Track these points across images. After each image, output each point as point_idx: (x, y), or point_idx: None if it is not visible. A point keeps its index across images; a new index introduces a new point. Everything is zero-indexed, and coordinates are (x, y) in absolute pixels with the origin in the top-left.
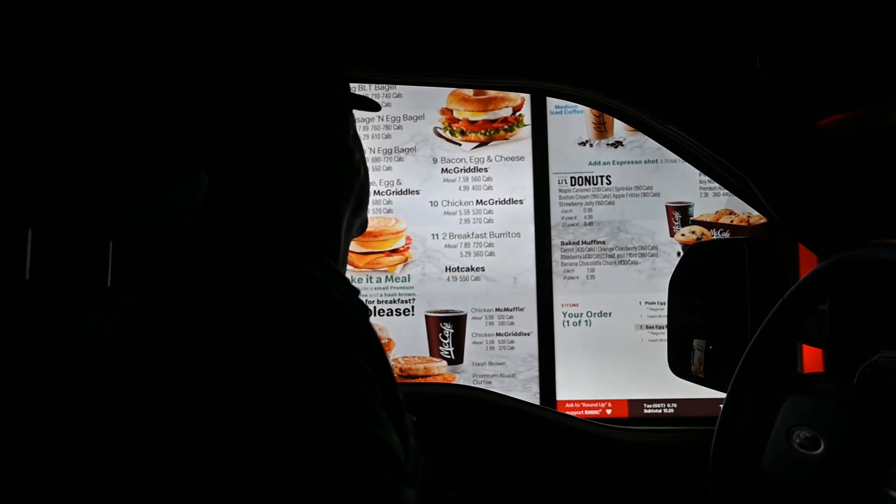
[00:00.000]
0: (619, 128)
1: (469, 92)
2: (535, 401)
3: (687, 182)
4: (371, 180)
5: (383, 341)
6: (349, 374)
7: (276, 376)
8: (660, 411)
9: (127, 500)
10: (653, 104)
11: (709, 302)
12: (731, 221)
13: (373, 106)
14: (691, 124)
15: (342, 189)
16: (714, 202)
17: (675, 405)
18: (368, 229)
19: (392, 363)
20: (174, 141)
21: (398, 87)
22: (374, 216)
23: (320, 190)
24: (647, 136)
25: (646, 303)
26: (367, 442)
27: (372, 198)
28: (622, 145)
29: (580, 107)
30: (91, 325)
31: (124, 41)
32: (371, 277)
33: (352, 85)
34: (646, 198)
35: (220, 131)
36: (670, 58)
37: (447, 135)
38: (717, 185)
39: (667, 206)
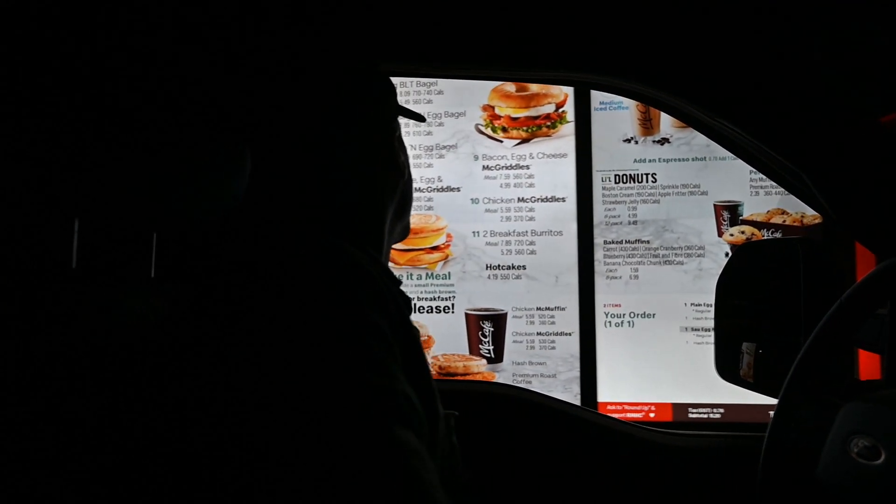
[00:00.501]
0: (666, 124)
1: (511, 88)
2: (576, 401)
3: (736, 180)
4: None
5: (422, 338)
6: (372, 338)
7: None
8: (706, 416)
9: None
10: (704, 98)
11: (759, 304)
12: (784, 221)
13: (418, 117)
14: (744, 119)
15: (385, 188)
16: (765, 201)
17: (721, 410)
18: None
19: (431, 360)
20: (218, 132)
21: (440, 83)
22: (415, 213)
23: (364, 187)
24: (695, 133)
25: (692, 304)
26: (373, 388)
27: (413, 194)
28: (669, 142)
29: (625, 103)
30: (133, 315)
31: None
32: (411, 274)
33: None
34: (693, 196)
35: (268, 127)
36: (723, 50)
37: (489, 132)
38: (768, 183)
39: (715, 205)
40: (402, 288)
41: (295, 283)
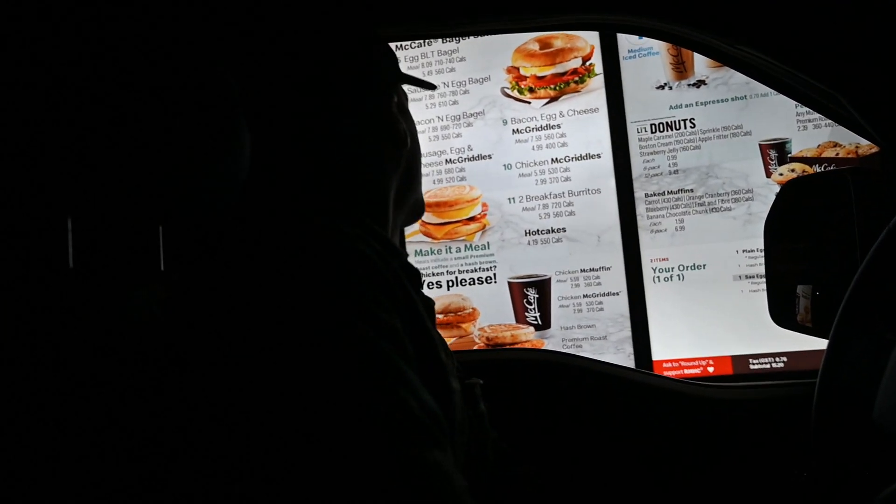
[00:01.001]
0: (701, 65)
1: (535, 46)
2: (630, 362)
3: (781, 116)
4: (441, 149)
5: (467, 311)
6: (371, 329)
7: (294, 332)
8: (768, 366)
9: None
10: (719, 24)
11: (812, 243)
12: (837, 154)
13: (427, 85)
14: (766, 42)
15: (385, 158)
16: (815, 135)
17: (784, 359)
18: (444, 199)
19: (478, 332)
20: (215, 113)
21: (461, 50)
22: (448, 185)
23: (362, 158)
24: (732, 71)
25: (743, 251)
26: (387, 400)
27: (443, 167)
28: (705, 84)
29: (655, 47)
30: (139, 311)
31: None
32: (450, 248)
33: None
34: (735, 138)
35: (257, 103)
36: None
37: (515, 94)
38: (816, 115)
39: (760, 145)
40: (442, 260)
41: (295, 281)
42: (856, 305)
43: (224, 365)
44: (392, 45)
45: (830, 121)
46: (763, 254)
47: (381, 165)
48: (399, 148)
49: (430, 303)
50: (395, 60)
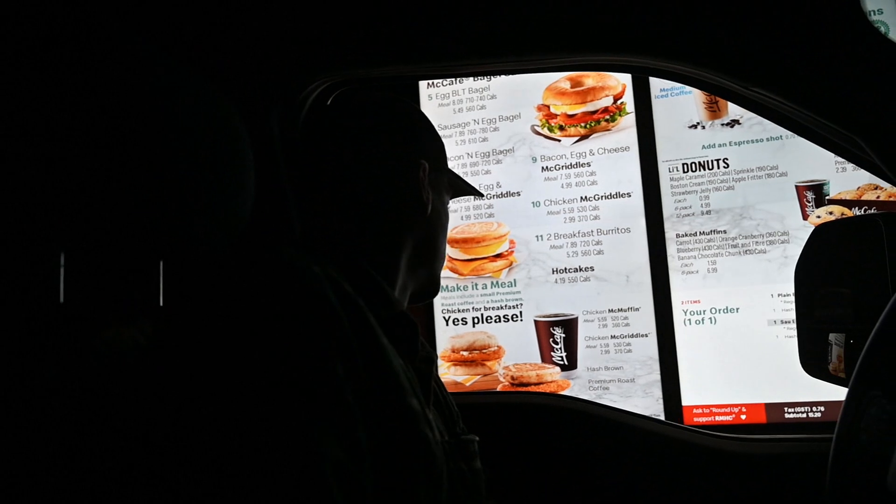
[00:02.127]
0: (735, 105)
1: (566, 85)
2: (658, 406)
3: (819, 157)
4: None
5: (492, 349)
6: (297, 373)
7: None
8: (804, 416)
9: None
10: (733, 66)
11: (844, 290)
12: (878, 197)
13: (474, 192)
14: (781, 85)
15: (401, 216)
16: (854, 177)
17: (822, 408)
18: (471, 235)
19: (503, 371)
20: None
21: (492, 88)
22: (476, 221)
23: (377, 208)
24: None
25: (779, 295)
26: (299, 449)
27: (472, 203)
28: (739, 124)
29: (688, 87)
30: (126, 346)
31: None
32: (476, 284)
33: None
34: (770, 179)
35: (282, 155)
36: (750, 11)
37: (545, 132)
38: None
39: (797, 187)
40: (468, 296)
41: (241, 318)
42: (874, 361)
43: (173, 397)
44: (424, 83)
45: (842, 158)
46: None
47: (396, 222)
48: (417, 212)
49: (427, 355)
50: (439, 145)
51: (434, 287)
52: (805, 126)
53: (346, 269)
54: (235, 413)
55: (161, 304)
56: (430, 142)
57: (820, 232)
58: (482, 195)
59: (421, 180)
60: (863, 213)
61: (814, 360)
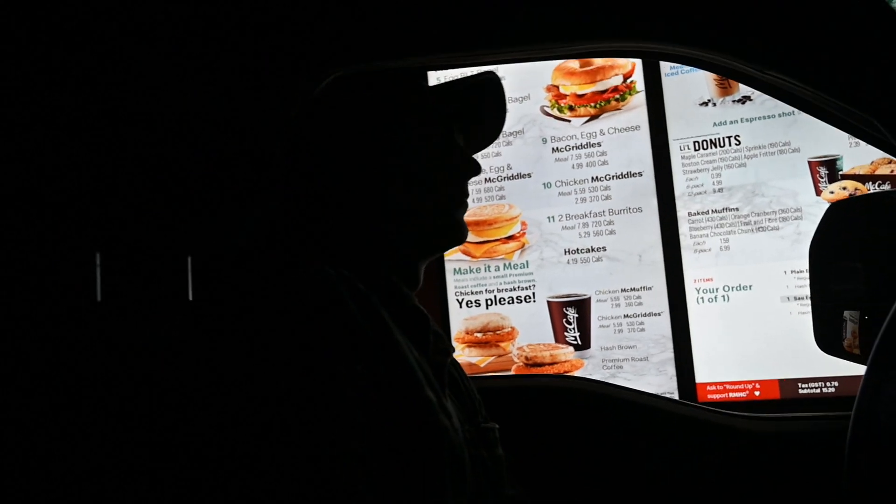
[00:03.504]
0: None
1: (575, 64)
2: (672, 384)
3: (831, 133)
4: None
5: (506, 330)
6: (323, 375)
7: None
8: (818, 391)
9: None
10: (747, 50)
11: (858, 267)
12: (892, 171)
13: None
14: (796, 68)
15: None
16: (868, 151)
17: (835, 384)
18: (483, 218)
19: (517, 351)
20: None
21: (501, 69)
22: (487, 204)
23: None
24: None
25: (792, 271)
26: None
27: (482, 185)
28: (750, 100)
29: None
30: (167, 340)
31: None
32: (489, 266)
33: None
34: (783, 155)
35: (295, 154)
36: None
37: (555, 112)
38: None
39: (810, 162)
40: (480, 278)
41: (267, 327)
42: (891, 342)
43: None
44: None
45: (857, 139)
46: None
47: (399, 219)
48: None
49: (444, 347)
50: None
51: (458, 232)
52: (819, 107)
53: (358, 268)
54: (262, 412)
55: (191, 299)
56: (429, 130)
57: (835, 209)
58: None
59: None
60: (877, 187)
61: (829, 337)
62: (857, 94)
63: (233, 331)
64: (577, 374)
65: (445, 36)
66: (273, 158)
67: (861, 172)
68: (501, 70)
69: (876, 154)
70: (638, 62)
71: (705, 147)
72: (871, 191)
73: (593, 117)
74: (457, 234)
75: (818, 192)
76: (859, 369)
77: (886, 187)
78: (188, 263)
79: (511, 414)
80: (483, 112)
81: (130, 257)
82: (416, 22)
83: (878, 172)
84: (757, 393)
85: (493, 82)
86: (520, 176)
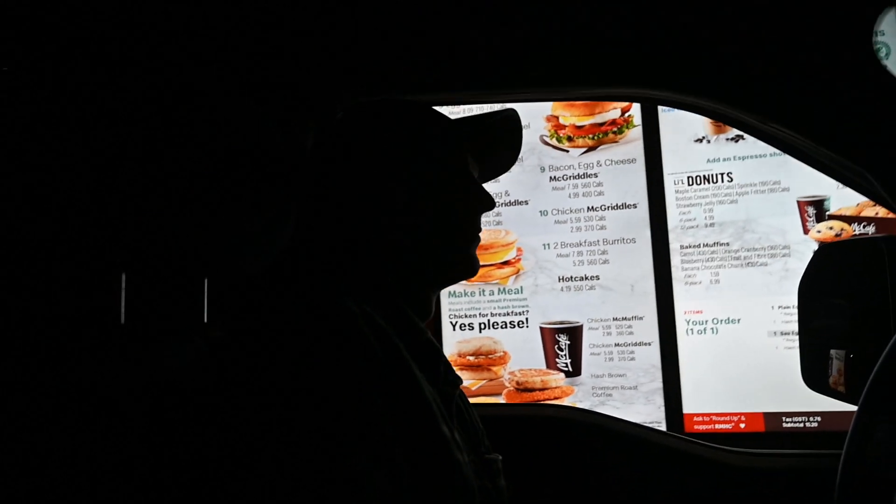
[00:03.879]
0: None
1: None
2: (660, 414)
3: (820, 174)
4: None
5: (498, 354)
6: (351, 430)
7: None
8: (801, 425)
9: None
10: (752, 102)
11: (846, 308)
12: (876, 214)
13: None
14: (798, 121)
15: (422, 240)
16: (854, 194)
17: (818, 418)
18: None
19: (508, 376)
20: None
21: None
22: (485, 228)
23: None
24: None
25: (779, 307)
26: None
27: None
28: (743, 139)
29: None
30: (186, 363)
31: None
32: (483, 290)
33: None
34: (773, 194)
35: (315, 178)
36: (768, 49)
37: (554, 142)
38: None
39: (798, 202)
40: (475, 302)
41: (295, 368)
42: (884, 383)
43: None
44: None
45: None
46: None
47: (421, 248)
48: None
49: (453, 379)
50: (454, 146)
51: (471, 266)
52: (813, 157)
53: (376, 301)
54: (287, 448)
55: (205, 320)
56: (449, 162)
57: (824, 251)
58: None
59: (451, 206)
60: (862, 228)
61: (815, 374)
62: (852, 148)
63: (254, 362)
64: (566, 400)
65: (468, 77)
66: (292, 185)
67: (847, 213)
68: None
69: (862, 197)
70: None
71: (699, 182)
72: (857, 231)
73: (591, 148)
74: (469, 268)
75: (806, 231)
76: (843, 405)
77: (871, 228)
78: (204, 287)
79: (503, 444)
80: (499, 142)
81: (154, 280)
82: (439, 61)
83: (863, 214)
84: (742, 425)
85: (512, 119)
86: (517, 203)
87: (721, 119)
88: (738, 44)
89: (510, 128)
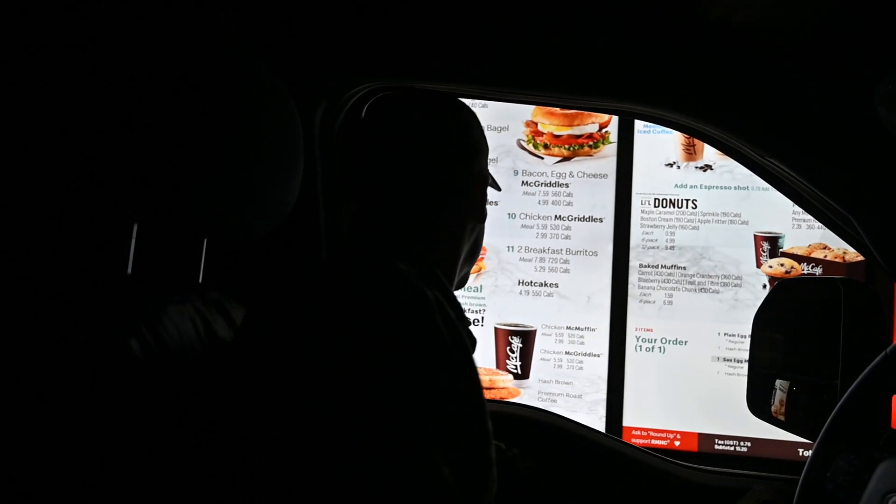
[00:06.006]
0: (710, 152)
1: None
2: (601, 424)
3: (778, 212)
4: None
5: None
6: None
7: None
8: (732, 448)
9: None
10: (755, 136)
11: (797, 342)
12: (825, 256)
13: (494, 185)
14: (795, 160)
15: (465, 230)
16: (807, 235)
17: (748, 444)
18: None
19: None
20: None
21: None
22: None
23: (448, 227)
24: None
25: (725, 334)
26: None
27: None
28: (711, 169)
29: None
30: (184, 324)
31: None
32: None
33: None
34: (733, 225)
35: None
36: (778, 89)
37: (530, 147)
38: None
39: (755, 236)
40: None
41: (376, 320)
42: (844, 419)
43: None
44: None
45: (825, 226)
46: (746, 341)
47: (459, 233)
48: (477, 222)
49: (473, 340)
50: (487, 148)
51: (465, 281)
52: (802, 196)
53: (423, 274)
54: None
55: (200, 281)
56: (485, 151)
57: (785, 285)
58: (499, 189)
59: (485, 195)
60: (810, 268)
61: (758, 401)
62: (843, 193)
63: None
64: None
65: (478, 71)
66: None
67: (799, 252)
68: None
69: (814, 238)
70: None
71: (664, 205)
72: (805, 270)
73: (566, 158)
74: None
75: (759, 264)
76: (772, 433)
77: (819, 269)
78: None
79: None
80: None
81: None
82: (452, 52)
83: (812, 255)
84: (677, 443)
85: None
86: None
87: (721, 148)
88: (753, 84)
89: None
